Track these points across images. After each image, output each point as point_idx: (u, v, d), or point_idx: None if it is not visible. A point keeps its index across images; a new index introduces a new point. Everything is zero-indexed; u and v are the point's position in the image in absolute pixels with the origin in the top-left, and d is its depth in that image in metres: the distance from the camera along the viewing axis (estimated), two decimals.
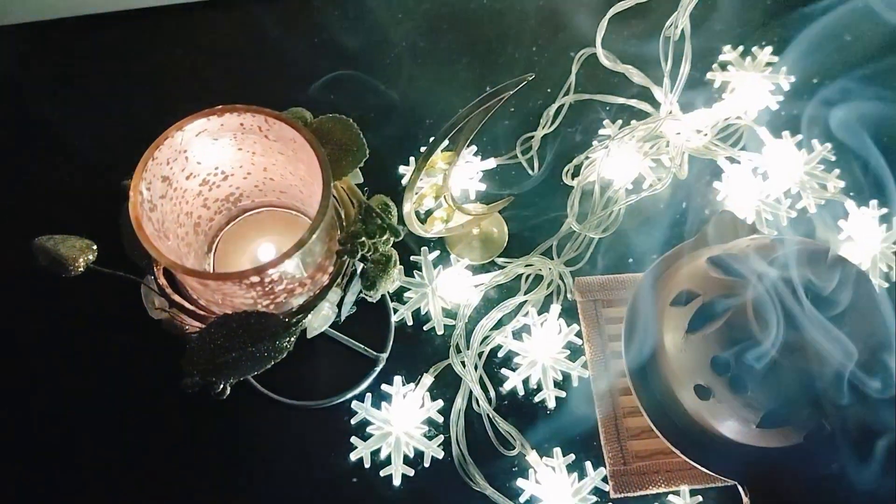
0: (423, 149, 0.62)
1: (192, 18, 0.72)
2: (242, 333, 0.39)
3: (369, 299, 0.49)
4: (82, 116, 0.67)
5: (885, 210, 0.63)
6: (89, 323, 0.58)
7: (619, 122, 0.67)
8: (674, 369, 0.49)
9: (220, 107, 0.39)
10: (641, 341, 0.53)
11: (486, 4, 0.74)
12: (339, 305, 0.48)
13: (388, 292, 0.60)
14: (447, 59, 0.71)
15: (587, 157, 0.64)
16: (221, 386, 0.41)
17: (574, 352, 0.59)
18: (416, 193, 0.52)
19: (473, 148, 0.66)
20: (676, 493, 0.54)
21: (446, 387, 0.58)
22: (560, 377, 0.58)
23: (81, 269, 0.39)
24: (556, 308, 0.59)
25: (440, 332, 0.59)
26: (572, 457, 0.56)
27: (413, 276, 0.61)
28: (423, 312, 0.60)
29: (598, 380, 0.58)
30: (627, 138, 0.63)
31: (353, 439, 0.56)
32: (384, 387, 0.57)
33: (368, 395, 0.57)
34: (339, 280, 0.42)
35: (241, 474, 0.55)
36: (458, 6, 0.74)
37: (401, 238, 0.44)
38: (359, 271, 0.46)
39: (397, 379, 0.57)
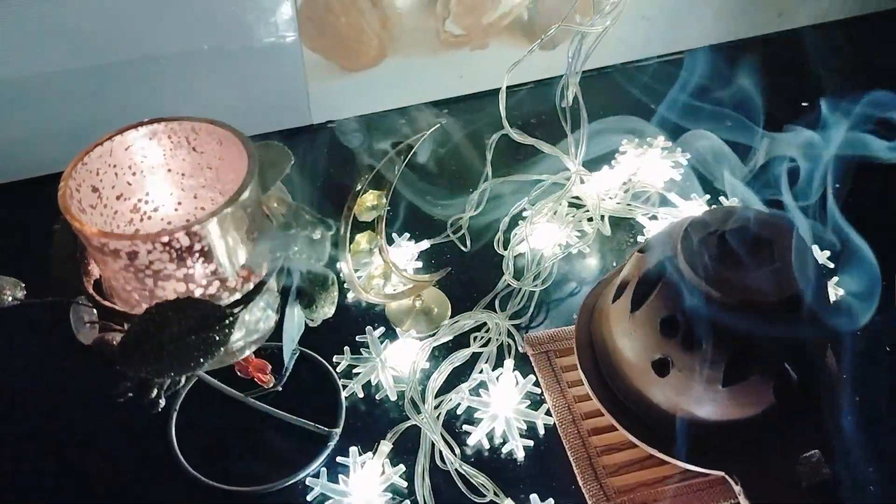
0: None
1: None
2: (177, 321, 0.38)
3: (311, 323, 0.47)
4: None
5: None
6: None
7: (538, 194, 0.71)
8: (631, 361, 0.48)
9: (147, 119, 0.42)
10: (594, 355, 0.52)
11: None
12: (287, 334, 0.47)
13: (336, 372, 0.58)
14: None
15: (514, 234, 0.67)
16: (155, 392, 0.38)
17: (534, 402, 0.57)
18: (350, 242, 0.54)
19: (406, 235, 0.68)
20: None
21: (406, 453, 0.54)
22: (525, 427, 0.55)
23: (9, 301, 0.39)
24: (509, 362, 0.58)
25: (393, 398, 0.57)
26: (551, 501, 0.51)
27: (360, 354, 0.60)
28: (373, 384, 0.58)
29: (564, 424, 0.56)
30: (546, 209, 0.67)
31: None
32: (339, 458, 0.53)
33: (324, 470, 0.53)
34: (274, 277, 0.42)
35: None
36: None
37: (332, 231, 0.44)
38: (296, 287, 0.45)
39: (353, 449, 0.53)
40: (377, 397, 0.57)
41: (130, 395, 0.38)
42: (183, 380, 0.40)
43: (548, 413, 0.56)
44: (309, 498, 0.51)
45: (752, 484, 0.46)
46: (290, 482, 0.52)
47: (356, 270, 0.56)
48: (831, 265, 0.66)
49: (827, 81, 0.78)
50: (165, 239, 0.36)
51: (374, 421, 0.56)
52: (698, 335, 0.44)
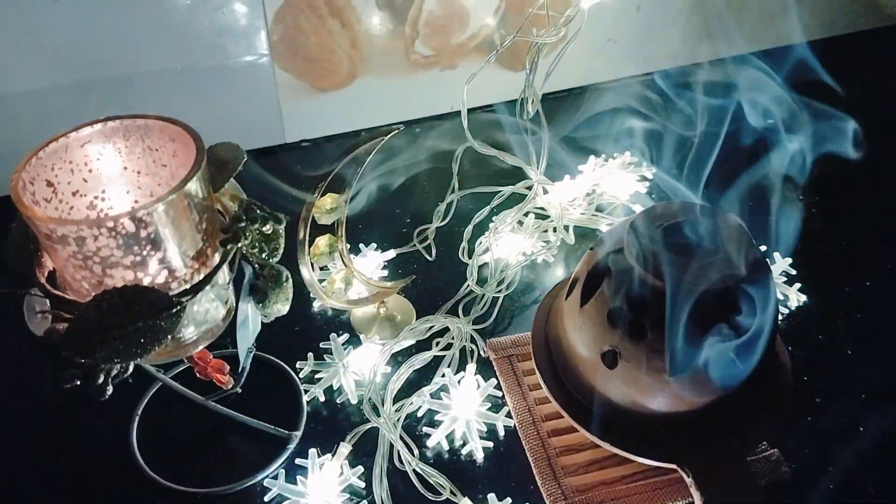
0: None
1: None
2: (123, 307, 0.38)
3: (265, 319, 0.48)
4: None
5: (763, 247, 0.68)
6: None
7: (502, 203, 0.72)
8: (583, 355, 0.49)
9: (104, 117, 0.43)
10: (549, 354, 0.53)
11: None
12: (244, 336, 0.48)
13: (299, 378, 0.59)
14: None
15: (479, 242, 0.68)
16: (102, 378, 0.39)
17: (496, 405, 0.57)
18: (309, 246, 0.55)
19: (373, 245, 0.69)
20: None
21: (366, 455, 0.54)
22: (485, 429, 0.56)
23: None
24: (471, 367, 0.59)
25: (354, 401, 0.57)
26: (509, 500, 0.51)
27: (324, 360, 0.60)
28: (335, 389, 0.58)
29: (524, 426, 0.56)
30: (510, 218, 0.68)
31: None
32: (298, 460, 0.53)
33: (282, 471, 0.53)
34: (224, 268, 0.43)
35: None
36: None
37: (283, 224, 0.45)
38: (248, 283, 0.46)
39: (312, 451, 0.54)
40: (338, 401, 0.58)
41: (77, 382, 0.39)
42: (131, 367, 0.41)
43: (508, 415, 0.57)
44: (266, 498, 0.51)
45: (703, 476, 0.46)
46: (248, 484, 0.52)
47: (320, 279, 0.57)
48: (793, 272, 0.67)
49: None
50: (111, 224, 0.37)
51: (334, 424, 0.56)
52: (643, 325, 0.45)
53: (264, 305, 0.47)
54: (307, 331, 0.63)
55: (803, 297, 0.65)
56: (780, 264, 0.67)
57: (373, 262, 0.67)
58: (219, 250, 0.43)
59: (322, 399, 0.58)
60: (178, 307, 0.40)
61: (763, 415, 0.48)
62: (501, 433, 0.56)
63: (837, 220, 0.74)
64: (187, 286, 0.42)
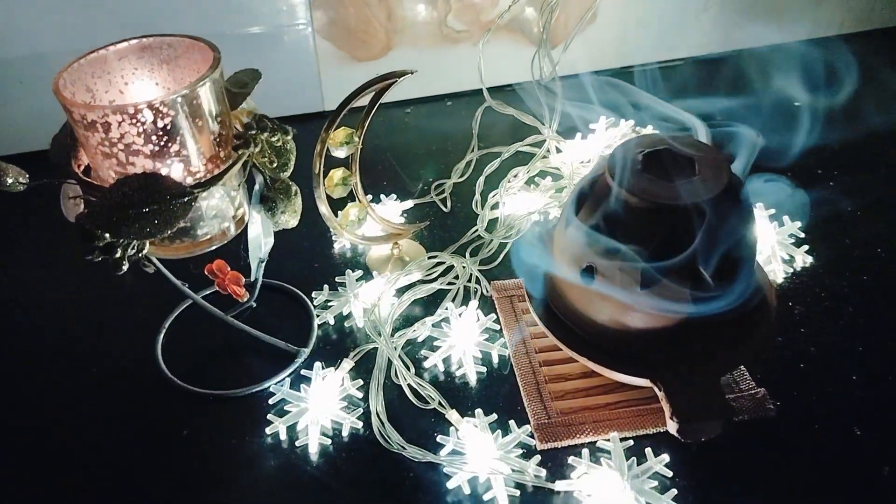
0: None
1: None
2: (141, 191, 0.43)
3: (273, 227, 0.52)
4: None
5: (772, 210, 0.69)
6: None
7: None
8: (567, 275, 0.52)
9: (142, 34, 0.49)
10: (540, 274, 0.56)
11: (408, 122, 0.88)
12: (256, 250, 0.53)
13: (314, 305, 0.63)
14: None
15: (492, 195, 0.71)
16: (119, 253, 0.44)
17: (492, 338, 0.60)
18: (325, 177, 0.59)
19: (393, 196, 0.74)
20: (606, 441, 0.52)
21: (367, 372, 0.58)
22: (480, 356, 0.59)
23: (11, 183, 0.46)
24: (473, 303, 0.62)
25: (360, 325, 0.61)
26: (494, 416, 0.54)
27: (337, 291, 0.64)
28: (345, 315, 0.62)
29: (518, 356, 0.59)
30: (522, 173, 0.71)
31: (270, 416, 0.54)
32: (304, 372, 0.58)
33: (288, 380, 0.57)
34: (236, 172, 0.47)
35: (156, 457, 0.53)
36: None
37: (290, 135, 0.50)
38: (259, 191, 0.51)
39: (317, 364, 0.58)
40: (346, 325, 0.62)
41: (98, 256, 0.44)
42: (146, 247, 0.46)
43: (504, 347, 0.60)
44: (271, 402, 0.56)
45: (674, 389, 0.48)
46: (255, 389, 0.57)
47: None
48: (802, 235, 0.68)
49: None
50: (132, 111, 0.42)
51: (340, 345, 0.60)
52: (618, 240, 0.47)
53: (273, 214, 0.51)
54: (326, 267, 0.67)
55: (809, 259, 0.66)
56: (789, 227, 0.68)
57: (392, 210, 0.72)
58: (232, 156, 0.49)
59: (332, 323, 0.62)
60: (190, 196, 0.45)
61: (740, 339, 0.50)
62: (495, 361, 0.59)
63: (856, 192, 0.74)
64: (201, 181, 0.47)
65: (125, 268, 0.45)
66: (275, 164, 0.50)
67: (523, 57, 0.89)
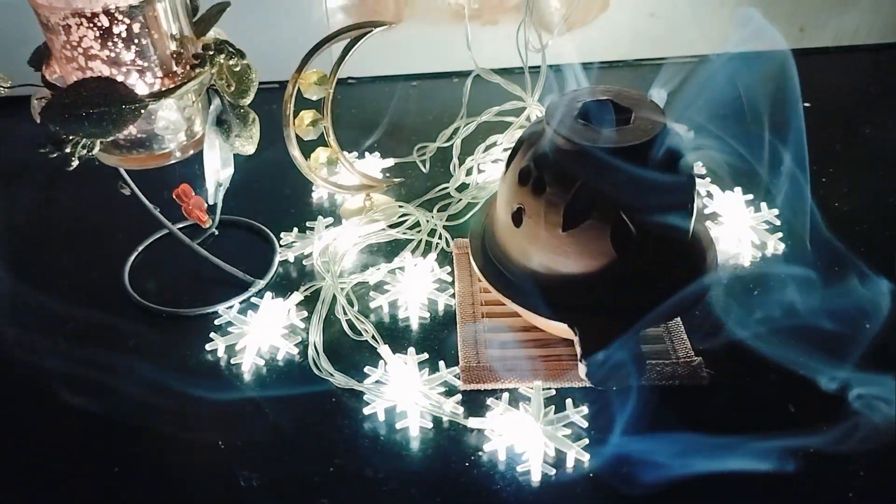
0: None
1: None
2: (94, 94, 0.46)
3: (230, 150, 0.55)
4: None
5: (750, 196, 0.68)
6: None
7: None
8: (501, 219, 0.52)
9: None
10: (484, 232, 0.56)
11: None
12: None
13: (280, 245, 0.65)
14: None
15: (469, 159, 0.73)
16: (70, 149, 0.47)
17: (443, 288, 0.61)
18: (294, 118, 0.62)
19: (377, 154, 0.76)
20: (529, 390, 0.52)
21: (315, 306, 0.60)
22: (427, 303, 0.60)
23: None
24: (432, 255, 0.63)
25: (318, 263, 0.63)
26: (426, 356, 0.55)
27: (305, 234, 0.67)
28: (305, 255, 0.64)
29: (463, 306, 0.59)
30: (502, 138, 0.72)
31: (213, 335, 0.57)
32: (256, 300, 0.60)
33: (238, 305, 0.60)
34: (192, 89, 0.50)
35: (97, 359, 0.56)
36: None
37: (245, 60, 0.52)
38: (215, 112, 0.53)
39: (268, 294, 0.60)
40: (305, 264, 0.64)
41: (51, 150, 0.47)
42: (97, 147, 0.49)
43: (452, 297, 0.60)
44: (216, 322, 0.58)
45: (588, 336, 0.48)
46: (206, 311, 0.59)
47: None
48: (777, 223, 0.66)
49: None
50: (89, 14, 0.46)
51: (297, 281, 0.62)
52: (544, 180, 0.48)
53: (227, 136, 0.54)
54: (301, 213, 0.70)
55: (781, 246, 0.64)
56: (766, 213, 0.67)
57: (373, 165, 0.74)
58: (190, 75, 0.51)
59: (292, 262, 0.64)
60: (140, 104, 0.48)
61: (663, 291, 0.49)
62: (441, 310, 0.60)
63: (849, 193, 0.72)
64: (155, 93, 0.50)
65: (74, 164, 0.48)
66: (232, 88, 0.53)
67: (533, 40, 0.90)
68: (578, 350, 0.47)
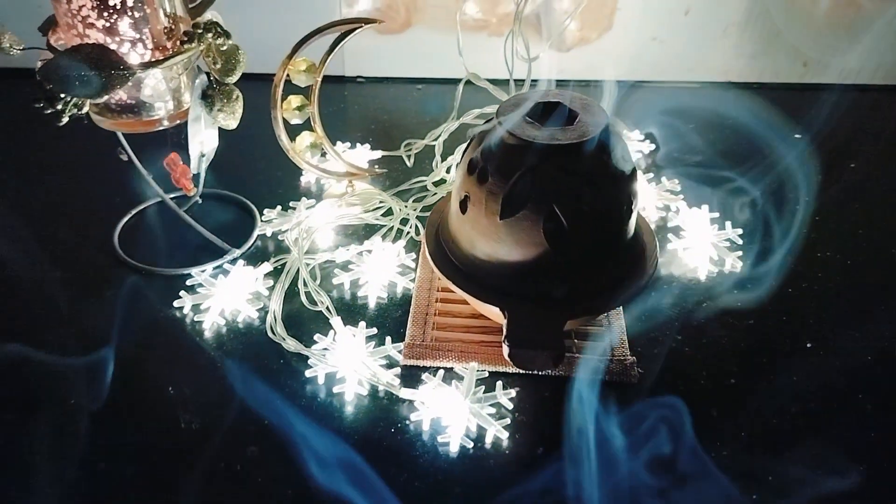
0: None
1: None
2: (88, 58, 0.51)
3: (210, 123, 0.59)
4: None
5: (716, 214, 0.70)
6: None
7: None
8: (452, 209, 0.55)
9: None
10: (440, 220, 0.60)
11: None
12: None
13: (263, 220, 0.70)
14: None
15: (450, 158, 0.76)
16: (61, 106, 0.52)
17: (404, 273, 0.64)
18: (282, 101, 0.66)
19: (367, 146, 0.80)
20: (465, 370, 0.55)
21: (279, 280, 0.63)
22: (386, 285, 0.63)
23: (6, 45, 0.55)
24: (401, 242, 0.67)
25: (289, 237, 0.67)
26: (375, 331, 0.58)
27: (286, 212, 0.71)
28: (282, 231, 0.69)
29: (420, 290, 0.62)
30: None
31: (182, 293, 0.61)
32: (227, 266, 0.64)
33: (210, 269, 0.64)
34: (180, 63, 0.55)
35: (75, 304, 0.61)
36: None
37: (231, 39, 0.56)
38: (200, 86, 0.58)
39: (240, 262, 0.64)
40: (281, 239, 0.68)
41: (44, 106, 0.52)
42: (86, 106, 0.53)
43: (412, 281, 0.64)
44: (187, 283, 0.62)
45: (515, 319, 0.51)
46: (180, 272, 0.64)
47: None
48: (740, 241, 0.68)
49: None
50: None
51: (270, 253, 0.66)
52: (488, 170, 0.51)
53: (210, 109, 0.58)
54: (287, 194, 0.74)
55: (739, 264, 0.66)
56: (729, 232, 0.68)
57: (361, 156, 0.78)
58: (179, 50, 0.56)
59: (269, 236, 0.68)
60: (129, 72, 0.53)
61: (596, 285, 0.52)
62: (399, 293, 0.63)
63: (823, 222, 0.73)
64: (144, 63, 0.55)
65: (65, 120, 0.53)
66: (218, 66, 0.57)
67: (534, 52, 0.93)
68: (504, 333, 0.50)
